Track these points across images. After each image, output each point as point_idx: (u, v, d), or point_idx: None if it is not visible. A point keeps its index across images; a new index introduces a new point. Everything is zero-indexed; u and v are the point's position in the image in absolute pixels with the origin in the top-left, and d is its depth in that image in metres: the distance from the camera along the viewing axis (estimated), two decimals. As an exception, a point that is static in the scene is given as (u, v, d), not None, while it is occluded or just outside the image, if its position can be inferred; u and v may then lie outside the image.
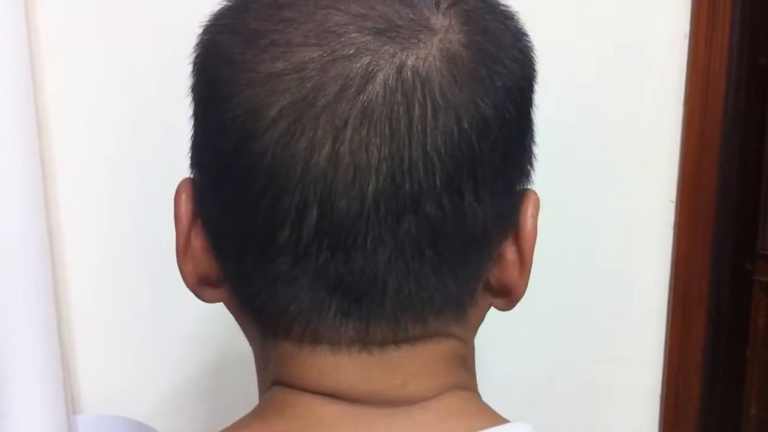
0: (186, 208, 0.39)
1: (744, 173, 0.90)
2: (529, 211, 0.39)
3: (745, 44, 0.86)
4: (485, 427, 0.37)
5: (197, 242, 0.39)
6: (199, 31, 0.38)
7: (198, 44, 0.38)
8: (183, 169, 0.40)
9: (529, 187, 0.40)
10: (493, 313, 0.42)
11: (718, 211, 0.89)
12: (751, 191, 0.91)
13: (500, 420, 0.39)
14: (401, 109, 0.33)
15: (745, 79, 0.87)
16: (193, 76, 0.38)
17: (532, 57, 0.38)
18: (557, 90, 0.74)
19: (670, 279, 0.91)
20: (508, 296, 0.40)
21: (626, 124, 0.87)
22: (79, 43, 0.81)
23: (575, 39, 0.84)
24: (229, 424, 0.40)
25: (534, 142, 0.39)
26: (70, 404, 0.81)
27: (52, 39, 0.80)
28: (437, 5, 0.35)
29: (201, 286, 0.40)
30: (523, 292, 0.40)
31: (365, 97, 0.33)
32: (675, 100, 0.87)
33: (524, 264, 0.39)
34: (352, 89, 0.33)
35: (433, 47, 0.34)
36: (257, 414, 0.39)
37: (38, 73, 0.80)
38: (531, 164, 0.39)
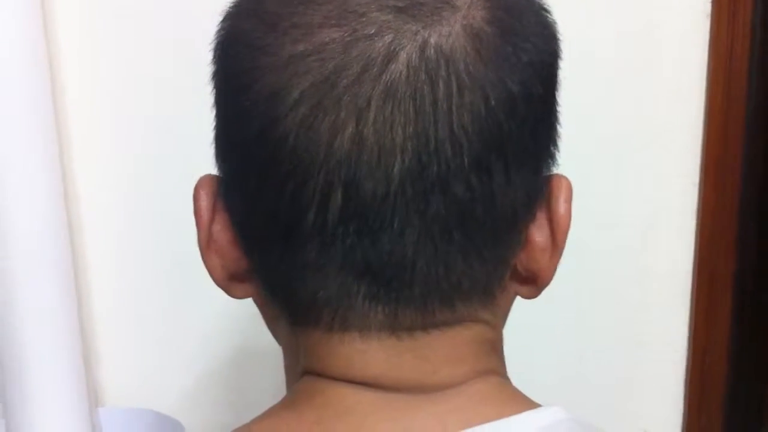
0: (206, 203, 0.39)
1: (768, 155, 0.89)
2: (563, 196, 0.39)
3: (767, 23, 0.85)
4: (518, 412, 0.37)
5: (224, 236, 0.38)
6: (220, 18, 0.38)
7: (218, 31, 0.37)
8: (203, 167, 0.40)
9: (555, 169, 0.39)
10: (517, 302, 0.42)
11: (742, 194, 0.88)
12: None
13: (533, 404, 0.38)
14: (425, 87, 0.32)
15: (768, 58, 0.86)
16: (214, 64, 0.38)
17: (556, 31, 0.37)
18: (577, 72, 0.73)
19: (694, 263, 0.90)
20: (534, 283, 0.40)
21: (648, 106, 0.86)
22: (98, 39, 0.81)
23: (595, 18, 0.83)
24: (250, 417, 0.39)
25: (558, 121, 0.38)
26: (94, 397, 0.82)
27: (72, 36, 0.80)
28: None
29: (230, 281, 0.40)
30: (550, 279, 0.40)
31: (388, 77, 0.32)
32: (697, 81, 0.85)
33: (556, 249, 0.39)
34: (375, 69, 0.32)
35: (456, 24, 0.33)
36: (287, 404, 0.39)
37: (58, 70, 0.80)
38: (556, 144, 0.38)
